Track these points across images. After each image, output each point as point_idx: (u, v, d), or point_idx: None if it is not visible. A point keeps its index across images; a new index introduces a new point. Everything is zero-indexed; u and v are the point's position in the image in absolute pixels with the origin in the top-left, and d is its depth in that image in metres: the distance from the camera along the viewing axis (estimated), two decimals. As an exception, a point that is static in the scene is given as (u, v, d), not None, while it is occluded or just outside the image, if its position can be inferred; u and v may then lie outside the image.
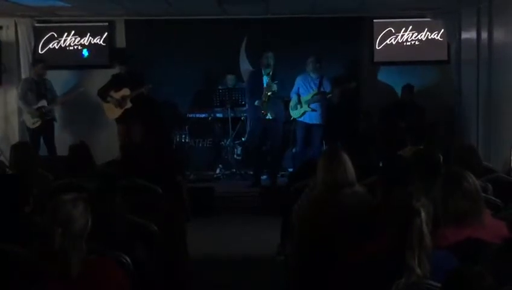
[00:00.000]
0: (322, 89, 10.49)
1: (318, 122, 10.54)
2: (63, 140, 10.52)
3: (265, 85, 10.19)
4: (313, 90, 10.50)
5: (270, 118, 10.25)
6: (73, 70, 11.64)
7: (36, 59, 11.05)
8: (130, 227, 4.09)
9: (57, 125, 11.03)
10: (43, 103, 10.59)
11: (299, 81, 10.62)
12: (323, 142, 10.58)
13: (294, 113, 10.57)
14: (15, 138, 11.14)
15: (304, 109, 10.47)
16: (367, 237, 3.51)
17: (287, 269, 5.61)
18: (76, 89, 10.99)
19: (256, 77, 10.50)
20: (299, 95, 10.48)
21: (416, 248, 3.11)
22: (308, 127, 10.56)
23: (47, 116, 10.64)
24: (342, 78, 10.99)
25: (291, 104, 10.60)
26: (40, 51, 11.51)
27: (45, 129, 10.69)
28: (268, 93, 10.14)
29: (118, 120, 10.71)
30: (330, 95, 10.53)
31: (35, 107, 10.56)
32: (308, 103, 10.45)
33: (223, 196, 9.91)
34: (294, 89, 10.61)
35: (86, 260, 3.25)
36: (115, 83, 10.69)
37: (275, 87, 10.14)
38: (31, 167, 5.90)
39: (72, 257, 3.20)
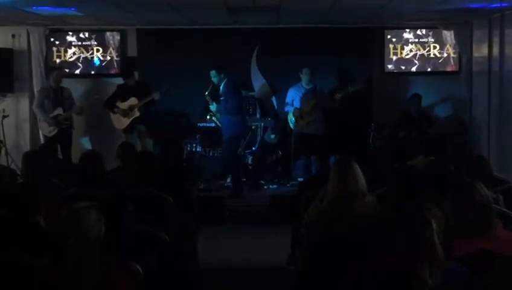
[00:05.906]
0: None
1: (319, 132, 10.51)
2: (80, 148, 10.57)
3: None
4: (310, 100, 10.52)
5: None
6: (84, 79, 11.66)
7: (52, 67, 11.07)
8: (141, 236, 4.10)
9: (74, 133, 10.98)
10: (59, 111, 10.56)
11: (292, 92, 10.63)
12: (326, 151, 10.47)
13: (295, 125, 10.57)
14: (26, 146, 11.18)
15: (306, 120, 10.47)
16: (377, 248, 3.50)
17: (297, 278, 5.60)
18: (92, 97, 10.97)
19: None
20: (298, 108, 10.50)
21: (427, 259, 3.10)
22: (309, 138, 10.52)
23: (63, 124, 10.63)
24: (342, 84, 10.99)
25: (290, 116, 10.59)
26: (52, 59, 11.55)
27: (62, 137, 10.63)
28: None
29: (126, 130, 10.71)
30: (330, 100, 10.53)
31: (52, 115, 10.53)
32: (309, 113, 10.45)
33: (234, 205, 9.91)
34: (288, 101, 10.64)
35: (98, 269, 3.25)
36: (121, 93, 10.70)
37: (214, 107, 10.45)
38: (43, 176, 5.91)
39: (84, 267, 3.20)
